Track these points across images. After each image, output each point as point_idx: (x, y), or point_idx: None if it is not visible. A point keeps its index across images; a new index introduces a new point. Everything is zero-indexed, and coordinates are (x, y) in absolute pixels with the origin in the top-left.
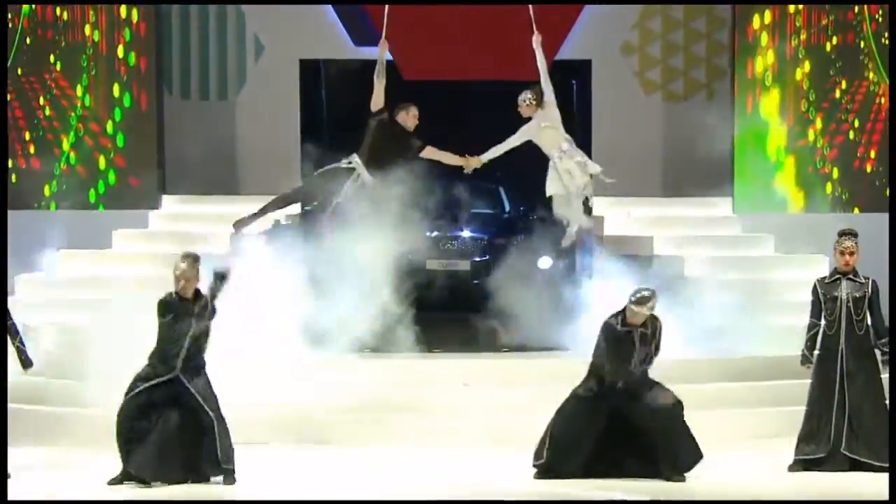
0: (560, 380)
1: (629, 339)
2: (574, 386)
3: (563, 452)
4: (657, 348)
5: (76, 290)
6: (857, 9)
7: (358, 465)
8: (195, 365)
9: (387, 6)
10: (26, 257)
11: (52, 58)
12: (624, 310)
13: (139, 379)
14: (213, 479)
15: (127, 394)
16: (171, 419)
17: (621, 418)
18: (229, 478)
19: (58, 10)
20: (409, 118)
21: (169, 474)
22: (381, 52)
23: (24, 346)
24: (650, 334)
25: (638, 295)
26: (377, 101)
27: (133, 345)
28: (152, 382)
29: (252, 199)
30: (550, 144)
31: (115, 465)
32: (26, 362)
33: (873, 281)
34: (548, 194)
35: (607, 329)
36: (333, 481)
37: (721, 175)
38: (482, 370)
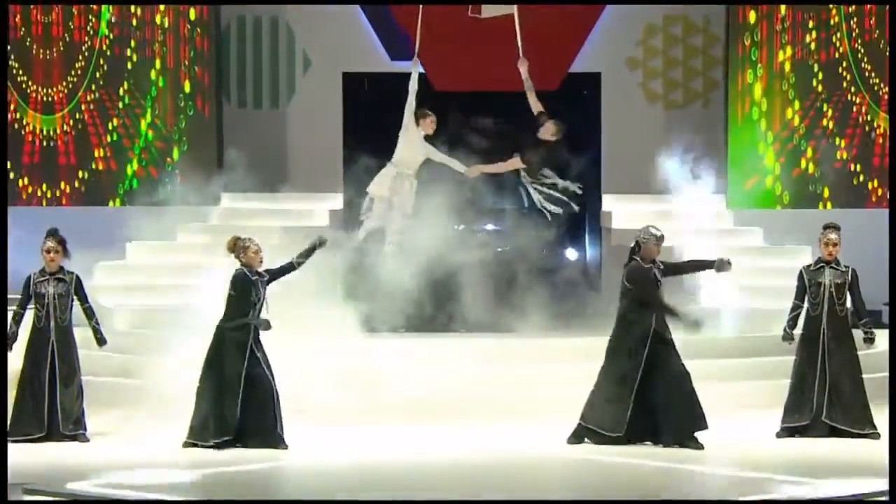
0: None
1: (653, 274)
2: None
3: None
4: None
5: (146, 277)
6: (835, 28)
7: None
8: (259, 334)
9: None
10: (103, 247)
11: (124, 72)
12: (639, 250)
13: (215, 347)
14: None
15: (207, 367)
16: (246, 389)
17: (646, 383)
18: (283, 444)
19: (131, 30)
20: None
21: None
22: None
23: (99, 325)
24: (664, 270)
25: (659, 234)
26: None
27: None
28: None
29: (300, 196)
30: None
31: (178, 430)
32: (101, 340)
33: (853, 269)
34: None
35: (638, 270)
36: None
37: (716, 174)
38: (504, 349)
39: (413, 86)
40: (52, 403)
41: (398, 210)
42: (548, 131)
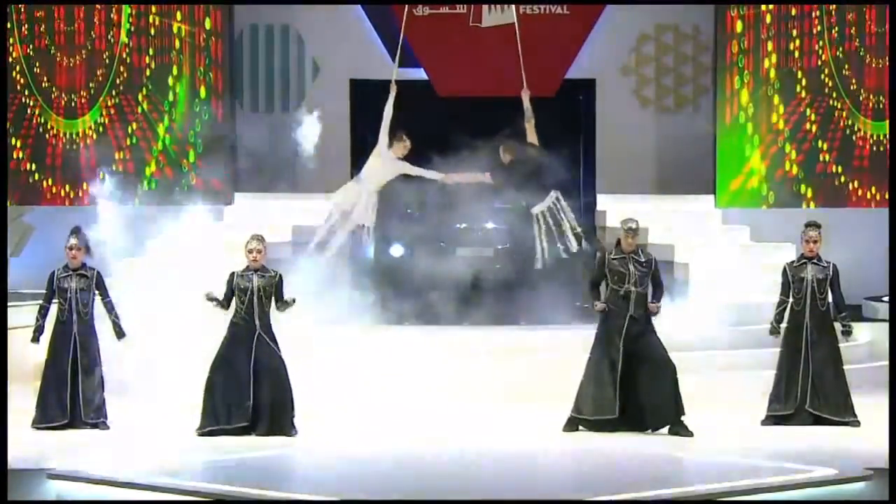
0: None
1: (623, 264)
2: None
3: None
4: (659, 282)
5: (163, 273)
6: (818, 37)
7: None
8: (269, 328)
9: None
10: (122, 245)
11: (143, 78)
12: (618, 242)
13: (225, 339)
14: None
15: (217, 356)
16: (259, 377)
17: (630, 370)
18: (293, 431)
19: (149, 39)
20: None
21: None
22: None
23: (118, 319)
24: (645, 263)
25: (626, 226)
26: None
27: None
28: (237, 340)
29: (309, 195)
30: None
31: (193, 418)
32: (119, 333)
33: (833, 265)
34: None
35: (599, 255)
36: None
37: (705, 175)
38: (505, 341)
39: (388, 110)
40: (74, 392)
41: (352, 223)
42: (503, 159)
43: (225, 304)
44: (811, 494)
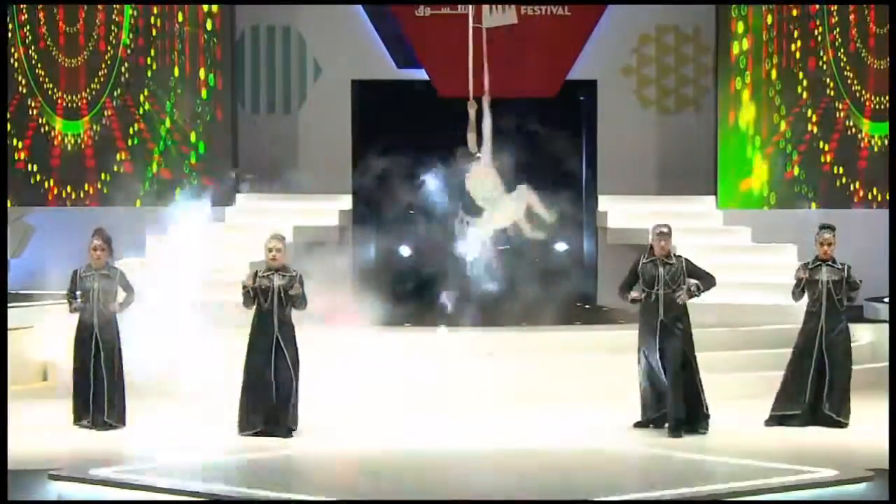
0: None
1: (654, 266)
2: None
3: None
4: (701, 276)
5: (165, 274)
6: (819, 38)
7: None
8: (288, 329)
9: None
10: (124, 245)
11: (145, 79)
12: (651, 247)
13: (249, 343)
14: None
15: (245, 358)
16: (274, 378)
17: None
18: (289, 434)
19: (150, 40)
20: None
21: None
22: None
23: (128, 304)
24: (675, 265)
25: (657, 230)
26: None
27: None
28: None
29: (311, 197)
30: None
31: (194, 418)
32: (120, 305)
33: (848, 266)
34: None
35: (634, 260)
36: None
37: (706, 176)
38: (505, 342)
39: (488, 126)
40: (97, 391)
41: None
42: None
43: (250, 301)
44: (812, 495)
